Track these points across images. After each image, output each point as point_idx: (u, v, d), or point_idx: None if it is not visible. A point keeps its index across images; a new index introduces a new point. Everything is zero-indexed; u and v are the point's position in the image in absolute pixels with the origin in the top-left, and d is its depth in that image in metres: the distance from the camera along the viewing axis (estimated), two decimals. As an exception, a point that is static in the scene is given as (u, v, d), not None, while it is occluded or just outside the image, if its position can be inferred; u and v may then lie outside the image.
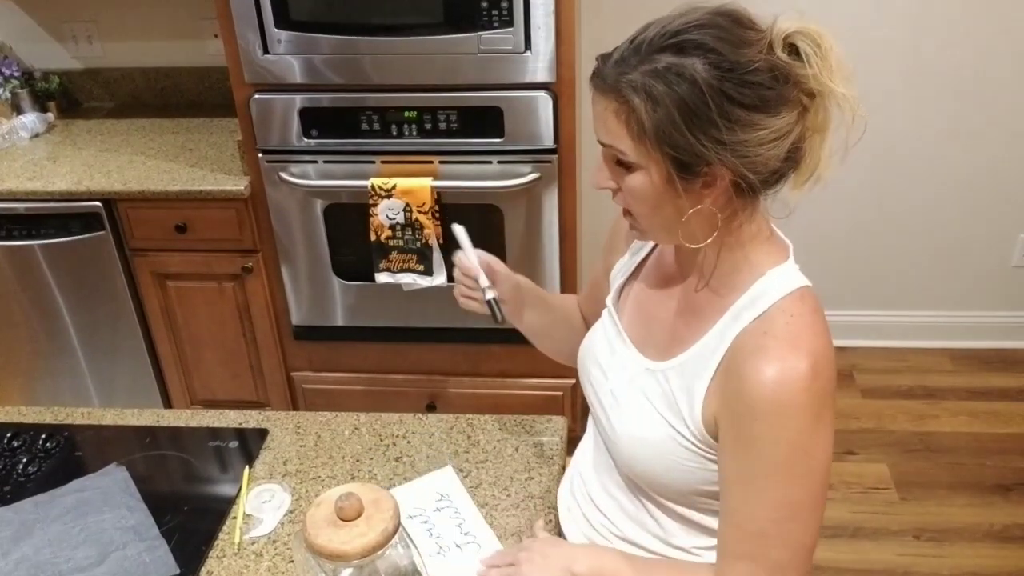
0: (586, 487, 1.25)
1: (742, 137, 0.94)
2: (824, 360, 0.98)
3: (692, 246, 1.04)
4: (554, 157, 2.17)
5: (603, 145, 1.02)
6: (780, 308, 1.01)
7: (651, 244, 1.22)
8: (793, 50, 0.95)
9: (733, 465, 1.02)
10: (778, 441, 0.98)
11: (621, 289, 1.24)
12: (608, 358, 1.19)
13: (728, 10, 0.97)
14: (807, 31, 0.95)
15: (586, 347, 1.25)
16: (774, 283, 1.03)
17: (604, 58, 0.99)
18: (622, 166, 1.01)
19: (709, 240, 1.02)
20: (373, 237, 2.26)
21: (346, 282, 2.40)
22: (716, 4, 0.98)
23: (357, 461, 1.44)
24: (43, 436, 1.50)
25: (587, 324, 1.34)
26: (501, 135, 2.15)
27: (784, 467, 0.99)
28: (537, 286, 1.38)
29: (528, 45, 2.04)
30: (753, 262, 1.05)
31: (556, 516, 1.32)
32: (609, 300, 1.24)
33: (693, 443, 1.06)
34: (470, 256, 1.28)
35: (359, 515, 1.07)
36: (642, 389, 1.12)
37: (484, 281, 1.27)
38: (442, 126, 2.16)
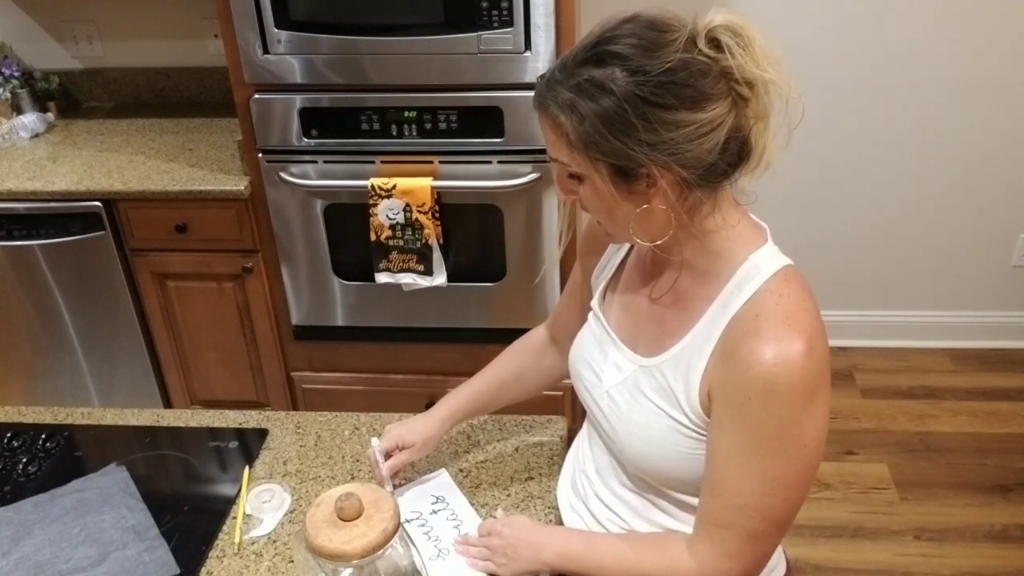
0: (592, 487, 1.25)
1: (667, 136, 0.96)
2: (817, 337, 1.01)
3: (655, 244, 1.06)
4: (554, 157, 2.16)
5: (552, 160, 1.06)
6: (768, 290, 1.03)
7: (628, 245, 1.23)
8: (716, 44, 0.97)
9: (724, 441, 1.04)
10: (770, 417, 1.00)
11: (605, 291, 1.24)
12: (600, 361, 1.20)
13: (644, 16, 1.00)
14: (727, 24, 0.97)
15: (576, 352, 1.26)
16: (758, 266, 1.05)
17: (540, 79, 1.05)
18: (573, 178, 1.06)
19: (667, 236, 1.04)
20: (373, 237, 2.26)
21: (346, 282, 2.40)
22: (634, 11, 1.01)
23: (357, 461, 1.44)
24: (43, 436, 1.50)
25: (564, 339, 1.35)
26: (501, 135, 2.15)
27: (774, 442, 1.01)
28: (476, 389, 1.40)
29: (528, 45, 2.04)
30: (731, 249, 1.07)
31: (557, 515, 1.32)
32: (594, 303, 1.25)
33: (695, 431, 1.08)
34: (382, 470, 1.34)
35: (359, 515, 1.07)
36: (638, 387, 1.13)
37: (387, 486, 1.35)
38: (442, 126, 2.16)
